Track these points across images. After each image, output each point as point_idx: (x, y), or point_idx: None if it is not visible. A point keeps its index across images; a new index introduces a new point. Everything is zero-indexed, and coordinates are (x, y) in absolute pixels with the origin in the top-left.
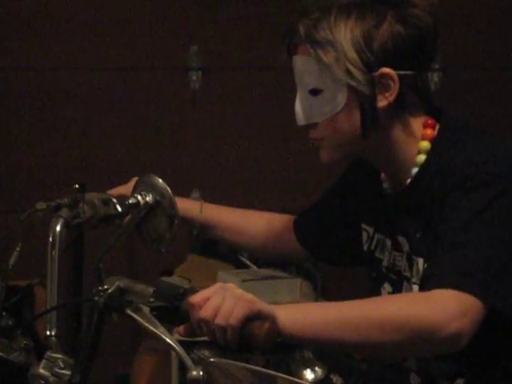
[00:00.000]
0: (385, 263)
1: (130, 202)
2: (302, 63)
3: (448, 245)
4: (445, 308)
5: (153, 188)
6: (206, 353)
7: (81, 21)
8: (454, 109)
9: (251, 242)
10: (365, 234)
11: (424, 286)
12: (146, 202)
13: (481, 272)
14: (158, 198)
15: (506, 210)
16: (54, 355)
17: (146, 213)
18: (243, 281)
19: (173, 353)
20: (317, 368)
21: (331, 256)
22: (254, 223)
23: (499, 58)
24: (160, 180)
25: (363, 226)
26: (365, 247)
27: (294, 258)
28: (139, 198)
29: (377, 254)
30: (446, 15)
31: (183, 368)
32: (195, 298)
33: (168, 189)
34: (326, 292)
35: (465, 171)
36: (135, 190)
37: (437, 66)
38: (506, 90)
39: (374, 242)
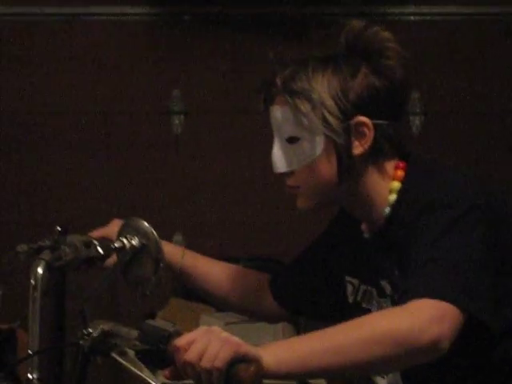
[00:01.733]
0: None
1: (116, 245)
2: (279, 113)
3: (419, 262)
4: (422, 315)
5: (138, 231)
6: None
7: (63, 64)
8: (435, 152)
9: (227, 296)
10: (349, 287)
11: (400, 302)
12: (132, 246)
13: (453, 281)
14: (143, 241)
15: (472, 226)
16: None
17: (131, 256)
18: (226, 324)
19: None
20: None
21: (313, 312)
22: (232, 277)
23: (481, 103)
24: (146, 223)
25: (347, 278)
26: (350, 299)
27: (269, 315)
28: (125, 241)
29: (364, 305)
30: (429, 60)
31: None
32: (181, 341)
33: (154, 232)
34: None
35: (429, 198)
36: (121, 233)
37: (418, 110)
38: (488, 134)
39: (360, 293)
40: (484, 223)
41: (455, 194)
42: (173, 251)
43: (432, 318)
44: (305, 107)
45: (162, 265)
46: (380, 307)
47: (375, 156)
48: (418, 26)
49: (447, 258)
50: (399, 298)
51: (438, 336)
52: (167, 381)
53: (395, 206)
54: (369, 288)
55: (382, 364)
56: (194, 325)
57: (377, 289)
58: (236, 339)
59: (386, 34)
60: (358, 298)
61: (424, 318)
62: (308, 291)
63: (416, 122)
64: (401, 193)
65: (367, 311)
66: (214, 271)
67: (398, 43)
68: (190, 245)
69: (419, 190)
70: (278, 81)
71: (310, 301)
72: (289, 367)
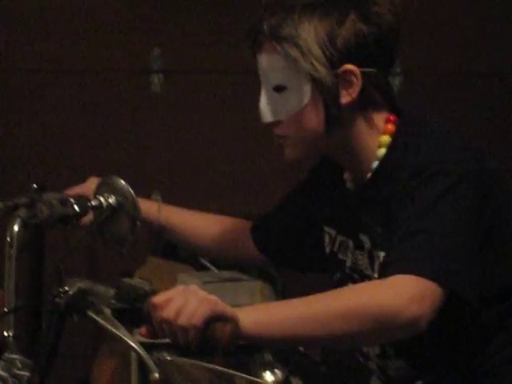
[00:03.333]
0: (348, 264)
1: (93, 203)
2: (266, 60)
3: (405, 233)
4: (404, 292)
5: (115, 190)
6: (166, 355)
7: (40, 23)
8: (414, 112)
9: (208, 245)
10: (327, 237)
11: (382, 273)
12: (109, 204)
13: (438, 257)
14: (120, 199)
15: (462, 198)
16: (12, 356)
17: (108, 214)
18: (204, 283)
19: (132, 355)
20: (276, 370)
21: (291, 261)
22: (212, 226)
23: (460, 62)
24: (122, 182)
25: (325, 228)
26: (327, 249)
27: (252, 262)
28: (102, 199)
29: (340, 256)
30: (408, 19)
31: (143, 370)
32: (158, 299)
33: (131, 190)
34: (287, 294)
35: (421, 162)
36: (97, 191)
37: (398, 70)
38: (466, 94)
39: (337, 243)
40: (474, 193)
41: (447, 161)
42: (149, 207)
43: (413, 297)
44: (293, 53)
45: (138, 223)
46: (355, 259)
47: (364, 106)
48: None
49: (434, 230)
50: (382, 267)
51: (418, 315)
52: (143, 339)
53: (384, 161)
54: (345, 239)
55: (357, 338)
56: (172, 284)
57: (354, 241)
58: (214, 298)
59: None
60: (335, 249)
61: (405, 296)
62: (287, 239)
63: (396, 82)
64: (390, 148)
65: (342, 262)
66: (192, 222)
67: None
68: (169, 203)
69: (410, 148)
70: (265, 27)
71: (288, 249)
72: (265, 331)
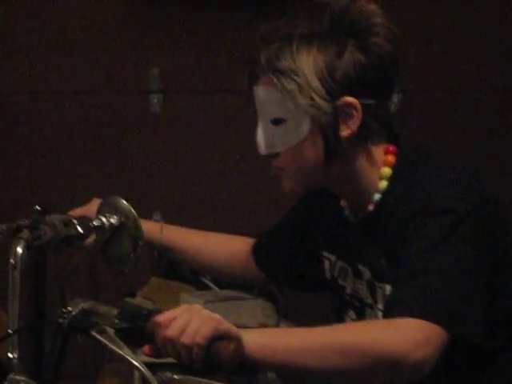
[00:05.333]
0: (348, 290)
1: (95, 224)
2: (263, 93)
3: (411, 272)
4: (409, 336)
5: (117, 210)
6: (169, 375)
7: (40, 44)
8: (413, 130)
9: (211, 264)
10: (327, 262)
11: (387, 313)
12: (111, 224)
13: (443, 299)
14: (122, 219)
15: (468, 235)
16: (17, 377)
17: (110, 235)
18: (206, 302)
19: (135, 375)
20: None
21: (291, 282)
22: (213, 245)
23: (459, 80)
24: (124, 202)
25: (324, 253)
26: (327, 275)
27: (253, 281)
28: (104, 219)
29: (340, 282)
30: (407, 36)
31: None
32: (161, 318)
33: (132, 210)
34: (288, 314)
35: (425, 198)
36: (99, 211)
37: (396, 88)
38: (464, 111)
39: (337, 269)
40: (479, 229)
41: (450, 197)
42: (152, 228)
43: (418, 341)
44: (291, 87)
45: (140, 243)
46: (355, 287)
47: (363, 138)
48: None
49: (440, 271)
50: (387, 307)
51: (422, 360)
52: (146, 358)
53: (386, 194)
54: (345, 265)
55: (358, 376)
56: (174, 303)
57: (352, 269)
58: (217, 316)
59: (373, 8)
60: (335, 274)
61: (411, 341)
62: (286, 261)
63: (394, 99)
64: (392, 180)
65: (343, 288)
66: (194, 241)
67: (385, 17)
68: (170, 223)
69: (412, 182)
70: (262, 59)
71: (288, 270)
72: (267, 355)
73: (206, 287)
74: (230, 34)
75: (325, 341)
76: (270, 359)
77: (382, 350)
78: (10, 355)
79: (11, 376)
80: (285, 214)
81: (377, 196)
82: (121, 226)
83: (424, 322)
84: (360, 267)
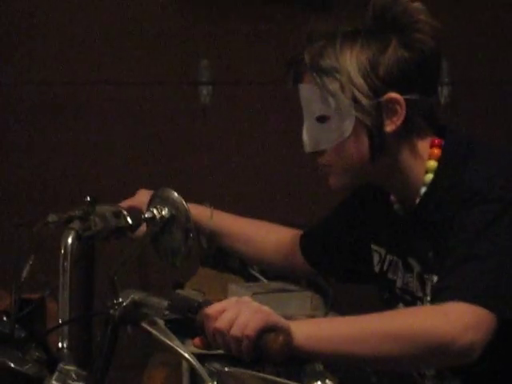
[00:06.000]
0: (398, 284)
1: (146, 216)
2: (307, 91)
3: (459, 258)
4: (459, 320)
5: (168, 202)
6: (218, 366)
7: (93, 36)
8: (463, 122)
9: (260, 252)
10: (376, 256)
11: (435, 298)
12: (162, 216)
13: (493, 285)
14: (173, 211)
15: None
16: (67, 367)
17: (161, 226)
18: (254, 293)
19: (183, 366)
20: (327, 381)
21: (339, 274)
22: (261, 233)
23: (508, 72)
24: (175, 193)
25: (373, 247)
26: (376, 268)
27: (301, 272)
28: (155, 211)
29: (389, 275)
30: (457, 29)
31: (193, 381)
32: (211, 310)
33: (184, 202)
34: (336, 305)
35: (473, 186)
36: (151, 203)
37: (446, 80)
38: None
39: (387, 263)
40: None
41: (495, 186)
42: (201, 212)
43: (468, 325)
44: (333, 87)
45: (191, 235)
46: (405, 281)
47: (408, 132)
48: None
49: (487, 257)
50: (434, 292)
51: (472, 343)
52: (196, 350)
53: (432, 187)
54: (395, 259)
55: (408, 361)
56: (222, 295)
57: (402, 262)
58: (267, 309)
59: (416, 5)
60: (384, 268)
61: (460, 324)
62: (334, 254)
63: (444, 91)
64: (438, 173)
65: (392, 282)
66: (243, 229)
67: (428, 13)
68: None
69: (457, 174)
70: (306, 57)
71: (336, 263)
72: (316, 345)
73: (254, 278)
74: (280, 26)
75: (374, 328)
76: (319, 349)
77: (432, 334)
78: (60, 345)
79: (61, 365)
80: (334, 207)
81: (423, 189)
82: (172, 218)
83: (473, 306)
84: (410, 260)
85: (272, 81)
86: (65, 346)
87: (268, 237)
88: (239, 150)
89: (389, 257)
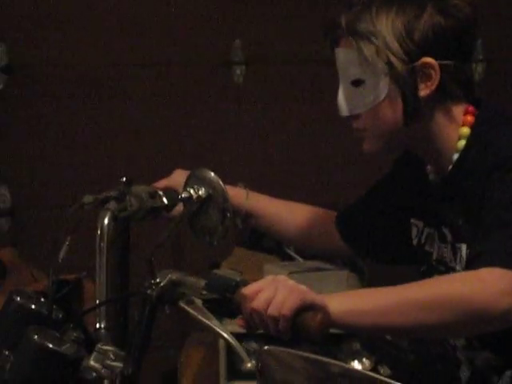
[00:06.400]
0: (434, 256)
1: (183, 196)
2: (344, 55)
3: (492, 224)
4: (495, 285)
5: (205, 181)
6: (255, 345)
7: (125, 18)
8: (496, 99)
9: (295, 233)
10: (414, 229)
11: (470, 265)
12: (199, 196)
13: None
14: (210, 191)
15: None
16: (105, 347)
17: (198, 206)
18: (290, 273)
19: (220, 345)
20: (364, 359)
21: (377, 253)
22: (298, 215)
23: None
24: (212, 173)
25: (412, 220)
26: (414, 241)
27: (337, 252)
28: (191, 191)
29: (427, 248)
30: (491, 7)
31: (230, 359)
32: (248, 290)
33: (220, 182)
34: (372, 283)
35: (504, 153)
36: (187, 183)
37: (481, 57)
38: None
39: (424, 235)
40: None
41: None
42: (237, 193)
43: (503, 290)
44: (369, 50)
45: (228, 214)
46: (440, 252)
47: (442, 98)
48: None
49: None
50: (470, 260)
51: (508, 308)
52: (235, 329)
53: (464, 153)
54: (431, 231)
55: (445, 329)
56: (258, 274)
57: (438, 233)
58: (303, 287)
59: None
60: (422, 241)
61: (497, 290)
62: (373, 231)
63: (478, 69)
64: (470, 139)
65: (429, 254)
66: (278, 210)
67: None
68: None
69: (489, 141)
70: (343, 22)
71: (374, 240)
72: (354, 318)
73: (289, 258)
74: (314, 5)
75: (411, 297)
76: (357, 323)
77: (470, 301)
78: (97, 325)
79: (99, 346)
80: (370, 186)
81: (455, 156)
82: (208, 198)
83: (508, 271)
84: (444, 230)
85: (305, 59)
86: (102, 326)
87: (303, 218)
88: (272, 130)
89: (426, 229)
